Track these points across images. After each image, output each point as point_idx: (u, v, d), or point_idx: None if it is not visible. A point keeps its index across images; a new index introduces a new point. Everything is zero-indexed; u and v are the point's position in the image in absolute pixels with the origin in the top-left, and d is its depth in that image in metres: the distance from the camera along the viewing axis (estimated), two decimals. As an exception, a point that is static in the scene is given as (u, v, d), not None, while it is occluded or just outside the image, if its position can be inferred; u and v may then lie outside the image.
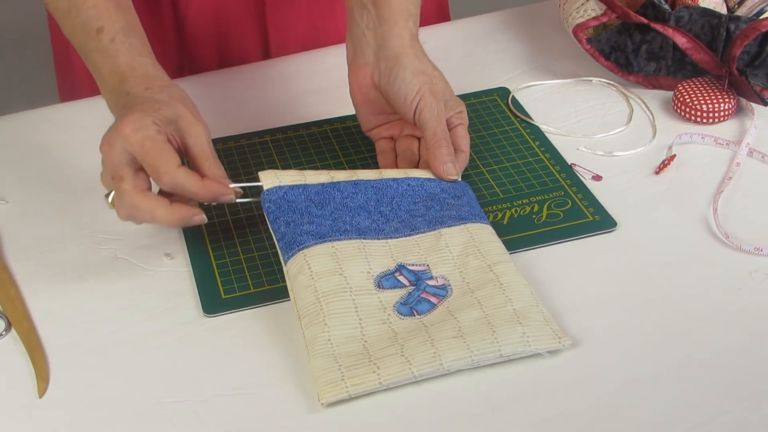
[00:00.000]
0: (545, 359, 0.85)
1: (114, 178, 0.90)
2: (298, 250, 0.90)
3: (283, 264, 0.91)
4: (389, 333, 0.85)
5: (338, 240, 0.91)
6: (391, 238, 0.93)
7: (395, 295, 0.89)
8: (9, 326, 0.90)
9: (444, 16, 1.36)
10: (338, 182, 0.96)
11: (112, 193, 0.91)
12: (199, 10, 1.22)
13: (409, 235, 0.94)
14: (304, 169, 1.05)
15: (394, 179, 0.98)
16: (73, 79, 1.28)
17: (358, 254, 0.91)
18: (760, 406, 0.81)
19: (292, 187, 0.95)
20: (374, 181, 0.97)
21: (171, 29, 1.23)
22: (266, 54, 1.26)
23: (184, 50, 1.25)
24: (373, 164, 1.05)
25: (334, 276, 0.88)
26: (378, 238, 0.93)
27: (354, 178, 0.97)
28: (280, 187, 0.95)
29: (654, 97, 1.15)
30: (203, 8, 1.22)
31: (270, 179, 0.95)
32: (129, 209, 0.90)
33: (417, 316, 0.87)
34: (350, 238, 0.92)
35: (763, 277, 0.92)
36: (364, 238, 0.92)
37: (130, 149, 0.89)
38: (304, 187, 0.95)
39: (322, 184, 0.96)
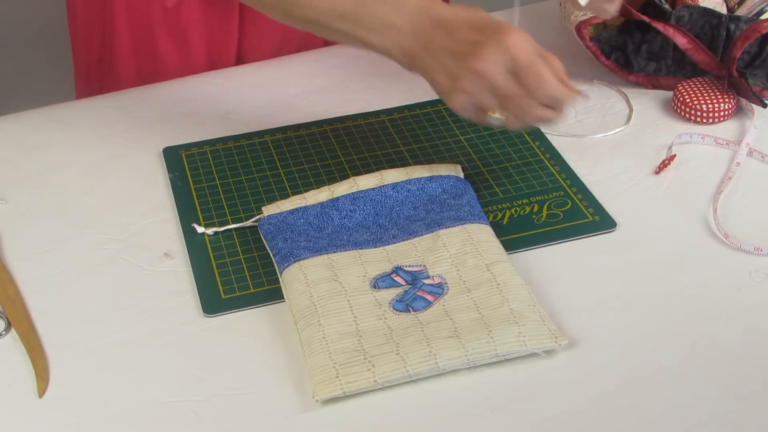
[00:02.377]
0: (545, 359, 0.85)
1: (502, 93, 0.92)
2: (294, 262, 0.91)
3: (278, 275, 0.91)
4: (384, 329, 0.85)
5: (334, 252, 0.92)
6: (388, 244, 0.94)
7: (391, 294, 0.89)
8: (9, 326, 0.90)
9: None
10: (338, 198, 0.97)
11: (497, 113, 0.95)
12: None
13: (407, 239, 0.94)
14: (304, 168, 1.05)
15: (393, 186, 0.98)
16: (111, 66, 1.26)
17: (354, 262, 0.91)
18: (760, 406, 0.81)
19: (292, 212, 0.96)
20: (373, 192, 0.97)
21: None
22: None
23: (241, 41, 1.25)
24: (374, 164, 1.05)
25: (330, 282, 0.89)
26: (375, 247, 0.93)
27: (354, 189, 0.97)
28: (279, 213, 0.96)
29: (654, 97, 1.15)
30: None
31: (270, 209, 0.97)
32: (526, 111, 0.92)
33: (412, 313, 0.87)
34: (346, 250, 0.92)
35: (763, 277, 0.92)
36: (361, 248, 0.93)
37: (511, 63, 0.91)
38: (304, 210, 0.96)
39: (321, 204, 0.96)
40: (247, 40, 1.24)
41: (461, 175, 1.01)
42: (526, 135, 1.09)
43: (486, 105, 0.93)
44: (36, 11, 2.51)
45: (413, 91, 1.17)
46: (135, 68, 1.24)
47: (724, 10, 1.14)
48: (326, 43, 1.27)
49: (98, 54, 1.26)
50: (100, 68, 1.27)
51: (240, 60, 1.26)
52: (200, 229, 0.97)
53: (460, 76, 0.91)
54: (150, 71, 1.23)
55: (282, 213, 0.96)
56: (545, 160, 1.06)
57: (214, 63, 1.24)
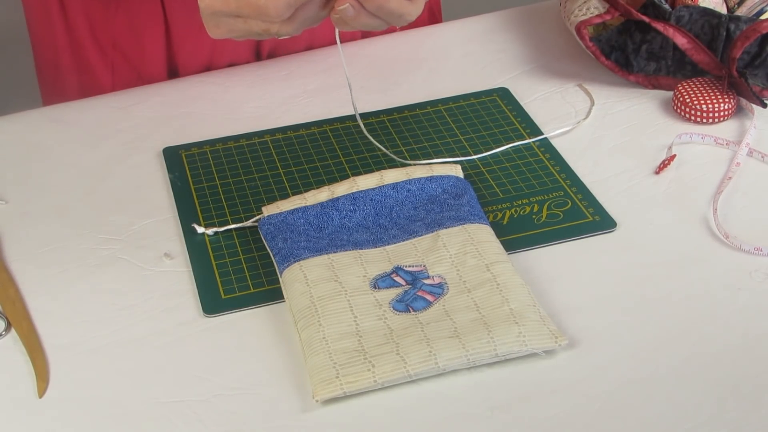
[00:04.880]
0: (545, 359, 0.85)
1: (256, 31, 0.85)
2: (294, 262, 0.91)
3: (278, 275, 0.91)
4: (385, 329, 0.85)
5: (334, 252, 0.92)
6: (388, 244, 0.94)
7: (391, 294, 0.89)
8: (9, 326, 0.90)
9: (435, 20, 1.35)
10: (338, 199, 0.97)
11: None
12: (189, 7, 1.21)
13: (407, 239, 0.94)
14: (304, 168, 1.05)
15: (393, 185, 0.98)
16: (63, 85, 1.27)
17: (354, 262, 0.91)
18: (760, 406, 0.81)
19: (292, 212, 0.96)
20: (373, 192, 0.97)
21: (161, 31, 1.22)
22: (258, 56, 1.25)
23: (172, 51, 1.24)
24: (374, 164, 1.05)
25: (330, 282, 0.89)
26: (375, 246, 0.93)
27: (354, 189, 0.98)
28: (279, 213, 0.96)
29: (654, 97, 1.15)
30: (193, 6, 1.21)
31: (270, 209, 0.97)
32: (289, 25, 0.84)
33: (412, 313, 0.87)
34: (347, 250, 0.92)
35: (763, 277, 0.92)
36: (361, 248, 0.93)
37: (227, 12, 0.84)
38: (304, 210, 0.96)
39: (321, 204, 0.96)
40: (178, 56, 1.24)
41: (461, 175, 1.01)
42: (526, 135, 1.09)
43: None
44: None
45: (413, 91, 1.17)
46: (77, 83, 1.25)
47: (724, 10, 1.14)
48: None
49: (50, 61, 1.27)
50: (58, 70, 1.27)
51: (172, 74, 1.25)
52: (200, 229, 0.98)
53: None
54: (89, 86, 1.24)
55: (282, 213, 0.96)
56: (545, 160, 1.06)
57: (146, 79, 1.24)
